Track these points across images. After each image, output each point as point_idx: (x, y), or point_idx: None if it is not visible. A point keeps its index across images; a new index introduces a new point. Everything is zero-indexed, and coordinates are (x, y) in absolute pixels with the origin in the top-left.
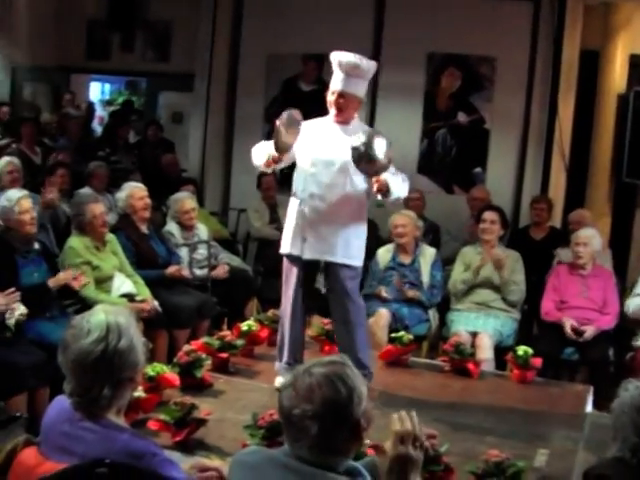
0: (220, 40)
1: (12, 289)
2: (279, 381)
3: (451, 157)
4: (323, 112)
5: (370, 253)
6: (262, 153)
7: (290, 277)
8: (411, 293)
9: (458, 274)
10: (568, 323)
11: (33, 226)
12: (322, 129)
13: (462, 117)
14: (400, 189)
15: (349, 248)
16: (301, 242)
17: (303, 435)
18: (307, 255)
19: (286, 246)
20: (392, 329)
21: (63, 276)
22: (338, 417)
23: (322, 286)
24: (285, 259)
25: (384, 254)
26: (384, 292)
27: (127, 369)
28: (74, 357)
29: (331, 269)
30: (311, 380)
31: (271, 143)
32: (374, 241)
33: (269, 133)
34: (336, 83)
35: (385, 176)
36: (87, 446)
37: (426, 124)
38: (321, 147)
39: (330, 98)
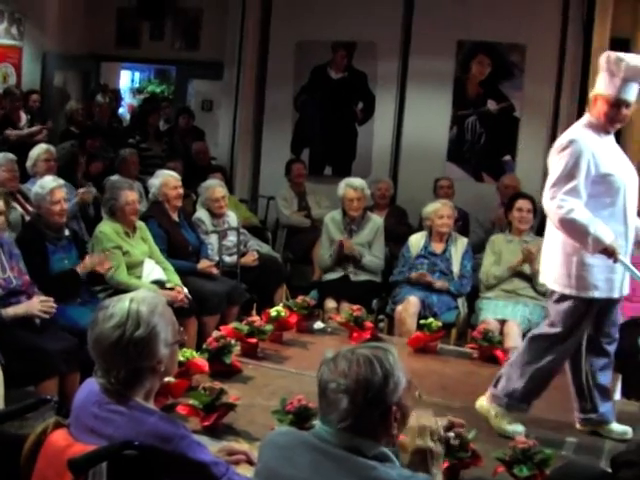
0: (249, 28)
1: (50, 300)
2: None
3: (480, 145)
4: (352, 100)
5: (401, 239)
6: None
7: (584, 320)
8: (439, 284)
9: (489, 264)
10: None
11: (62, 217)
12: (608, 150)
13: (492, 105)
14: None
15: None
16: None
17: (333, 409)
18: (621, 293)
19: (605, 289)
20: (421, 316)
21: (89, 261)
22: (369, 397)
23: None
24: (582, 302)
25: (416, 241)
26: (429, 277)
27: (145, 359)
28: (94, 338)
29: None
30: (352, 357)
31: None
32: (404, 228)
33: (298, 122)
34: (630, 93)
35: None
36: (116, 428)
37: (456, 111)
38: (622, 174)
39: (623, 112)
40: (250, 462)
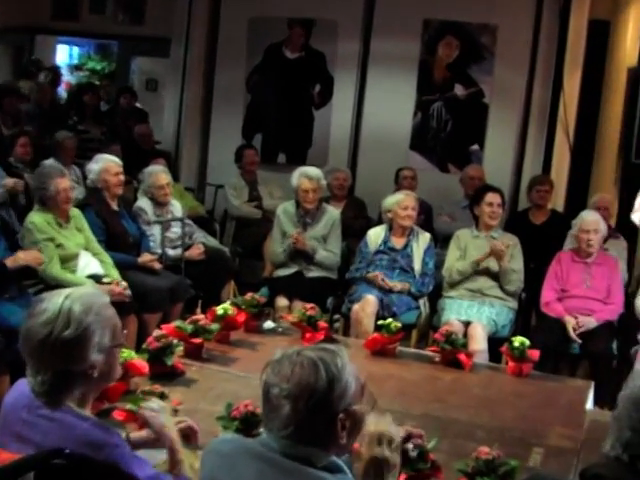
0: (199, 2)
1: None
2: None
3: (446, 133)
4: (308, 83)
5: (359, 233)
6: None
7: None
8: (399, 286)
9: (453, 260)
10: (570, 323)
11: None
12: None
13: (459, 90)
14: None
15: None
16: None
17: (276, 415)
18: None
19: None
20: (379, 316)
21: (23, 256)
22: (312, 403)
23: None
24: None
25: (375, 236)
26: (381, 278)
27: (73, 362)
28: (24, 334)
29: None
30: (296, 359)
31: None
32: (363, 221)
33: (250, 105)
34: None
35: None
36: (44, 435)
37: (420, 96)
38: None
39: None
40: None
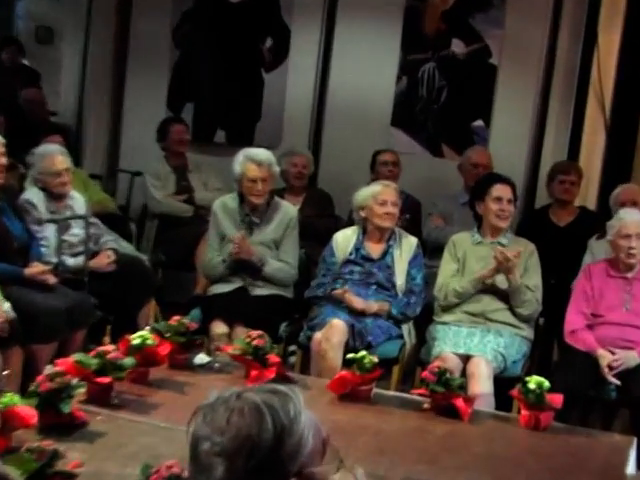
0: None
1: None
2: None
3: (440, 104)
4: (257, 36)
5: (323, 237)
6: None
7: None
8: (375, 307)
9: (448, 275)
10: (605, 358)
11: None
12: None
13: (458, 47)
14: None
15: None
16: None
17: (206, 477)
18: None
19: None
20: (350, 348)
21: None
22: (254, 463)
23: None
24: None
25: (344, 241)
26: (349, 296)
27: None
28: None
29: None
30: (234, 405)
31: None
32: (328, 221)
33: (178, 65)
34: None
35: None
36: None
37: (406, 55)
38: None
39: None
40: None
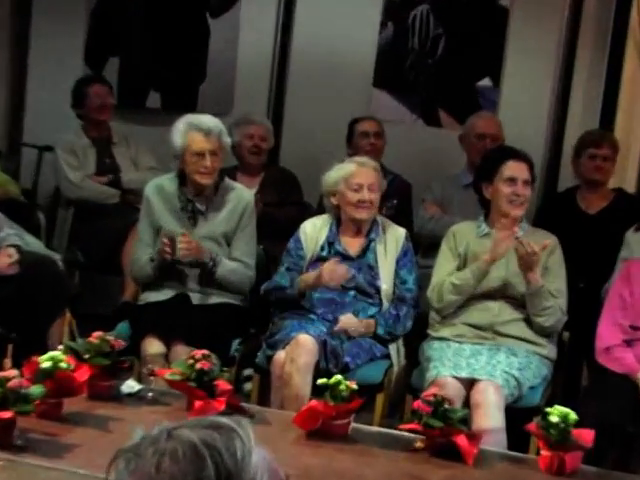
0: None
1: None
2: None
3: (436, 59)
4: None
5: (286, 229)
6: None
7: None
8: (362, 328)
9: (444, 274)
10: None
11: None
12: None
13: None
14: None
15: None
16: None
17: None
18: None
19: None
20: (321, 371)
21: None
22: None
23: None
24: None
25: (313, 232)
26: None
27: None
28: None
29: None
30: (165, 446)
31: None
32: (294, 210)
33: (97, 9)
34: None
35: None
36: None
37: None
38: None
39: None
40: None
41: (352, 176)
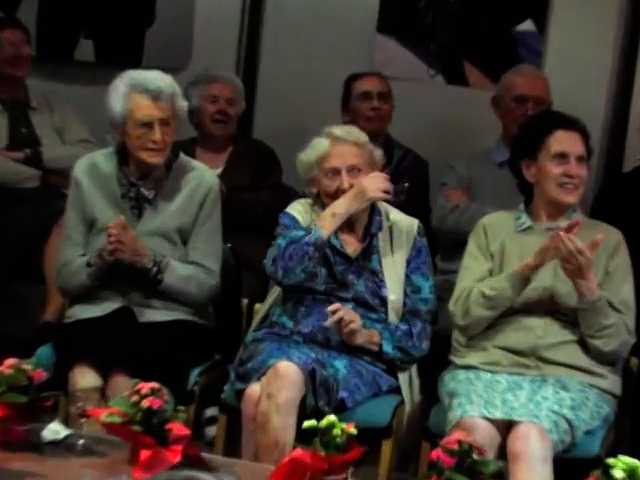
0: None
1: None
2: None
3: None
4: None
5: (263, 223)
6: None
7: None
8: (360, 338)
9: (471, 281)
10: None
11: None
12: None
13: None
14: None
15: None
16: None
17: None
18: None
19: None
20: (309, 410)
21: None
22: None
23: None
24: None
25: (303, 219)
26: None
27: None
28: None
29: None
30: None
31: None
32: (271, 196)
33: None
34: None
35: None
36: None
37: None
38: None
39: None
40: None
41: (325, 158)
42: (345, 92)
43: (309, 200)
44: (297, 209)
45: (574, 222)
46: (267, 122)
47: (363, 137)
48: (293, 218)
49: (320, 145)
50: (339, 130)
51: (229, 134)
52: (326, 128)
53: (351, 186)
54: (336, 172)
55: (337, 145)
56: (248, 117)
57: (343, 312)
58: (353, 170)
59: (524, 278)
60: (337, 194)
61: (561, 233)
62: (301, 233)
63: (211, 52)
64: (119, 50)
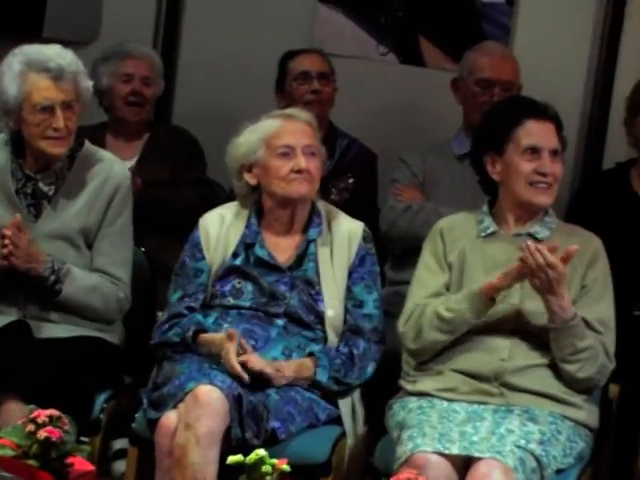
0: None
1: None
2: None
3: None
4: None
5: (182, 224)
6: None
7: None
8: (289, 371)
9: (425, 296)
10: None
11: None
12: None
13: None
14: None
15: None
16: None
17: None
18: None
19: None
20: (234, 442)
21: None
22: None
23: None
24: None
25: (221, 229)
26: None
27: None
28: None
29: None
30: None
31: None
32: (198, 193)
33: None
34: None
35: None
36: None
37: None
38: None
39: None
40: None
41: (276, 136)
42: (280, 72)
43: (236, 203)
44: (220, 214)
45: (569, 250)
46: (189, 106)
47: (313, 119)
48: (196, 244)
49: (266, 124)
50: (290, 110)
51: (145, 119)
52: (281, 111)
53: (308, 169)
54: (290, 150)
55: (290, 122)
56: (167, 100)
57: (252, 364)
58: (307, 149)
59: (488, 299)
60: (289, 177)
61: (529, 243)
62: (194, 282)
63: (124, 22)
64: (12, 19)
